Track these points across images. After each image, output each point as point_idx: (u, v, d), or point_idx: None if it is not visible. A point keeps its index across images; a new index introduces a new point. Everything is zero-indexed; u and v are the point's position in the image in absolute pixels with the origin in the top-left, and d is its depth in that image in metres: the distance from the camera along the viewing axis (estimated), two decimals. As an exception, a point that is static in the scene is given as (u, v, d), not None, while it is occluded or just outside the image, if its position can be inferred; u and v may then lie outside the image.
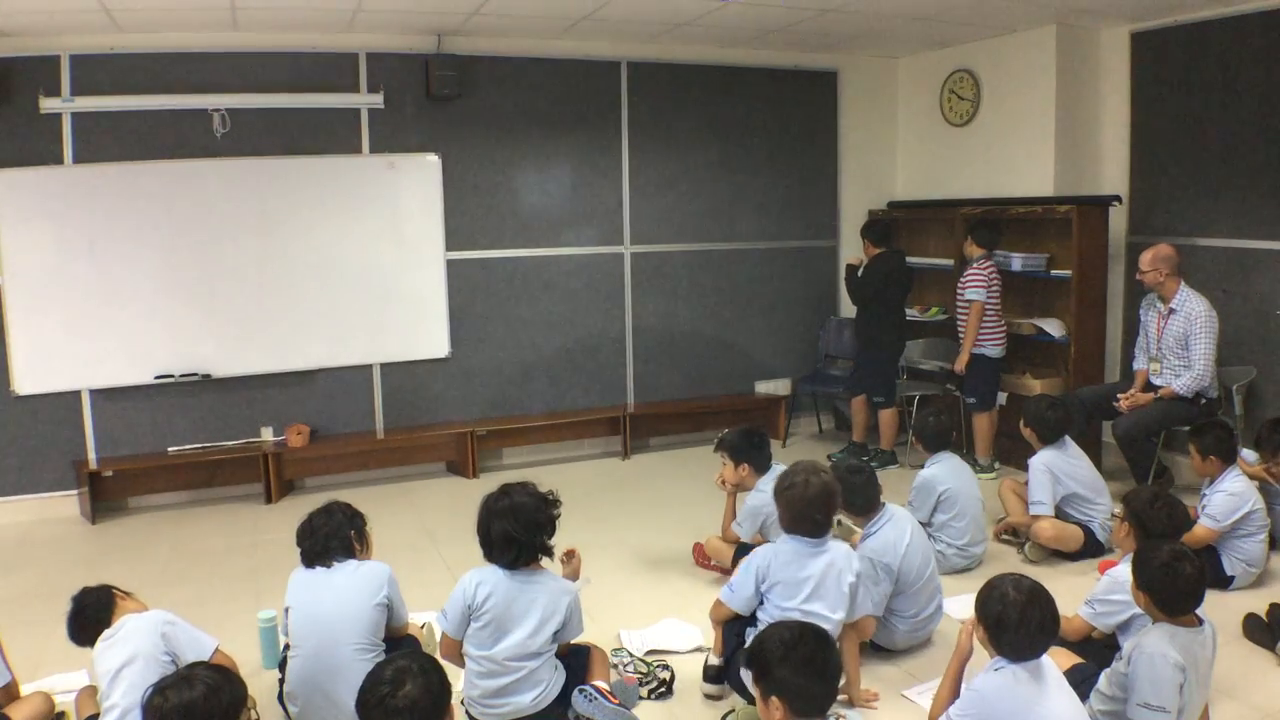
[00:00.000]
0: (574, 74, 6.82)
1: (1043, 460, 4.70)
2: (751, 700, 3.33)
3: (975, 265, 6.19)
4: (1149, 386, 5.52)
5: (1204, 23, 5.87)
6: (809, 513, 3.31)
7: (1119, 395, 5.54)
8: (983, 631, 2.67)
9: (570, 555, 3.51)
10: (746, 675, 3.27)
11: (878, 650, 3.80)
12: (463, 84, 6.35)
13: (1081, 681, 2.88)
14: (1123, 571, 3.20)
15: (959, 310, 6.31)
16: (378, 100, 6.31)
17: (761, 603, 3.35)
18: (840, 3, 5.74)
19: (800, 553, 3.32)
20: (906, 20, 6.31)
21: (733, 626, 3.44)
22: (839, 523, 4.89)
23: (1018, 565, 4.64)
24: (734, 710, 3.36)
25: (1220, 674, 3.46)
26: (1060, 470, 4.68)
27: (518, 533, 3.11)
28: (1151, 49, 6.23)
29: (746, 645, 3.31)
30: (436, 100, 6.39)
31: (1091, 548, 4.64)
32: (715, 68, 7.17)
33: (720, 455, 4.51)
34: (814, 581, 3.28)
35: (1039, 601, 2.59)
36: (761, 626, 3.28)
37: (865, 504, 3.84)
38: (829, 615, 3.22)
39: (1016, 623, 2.55)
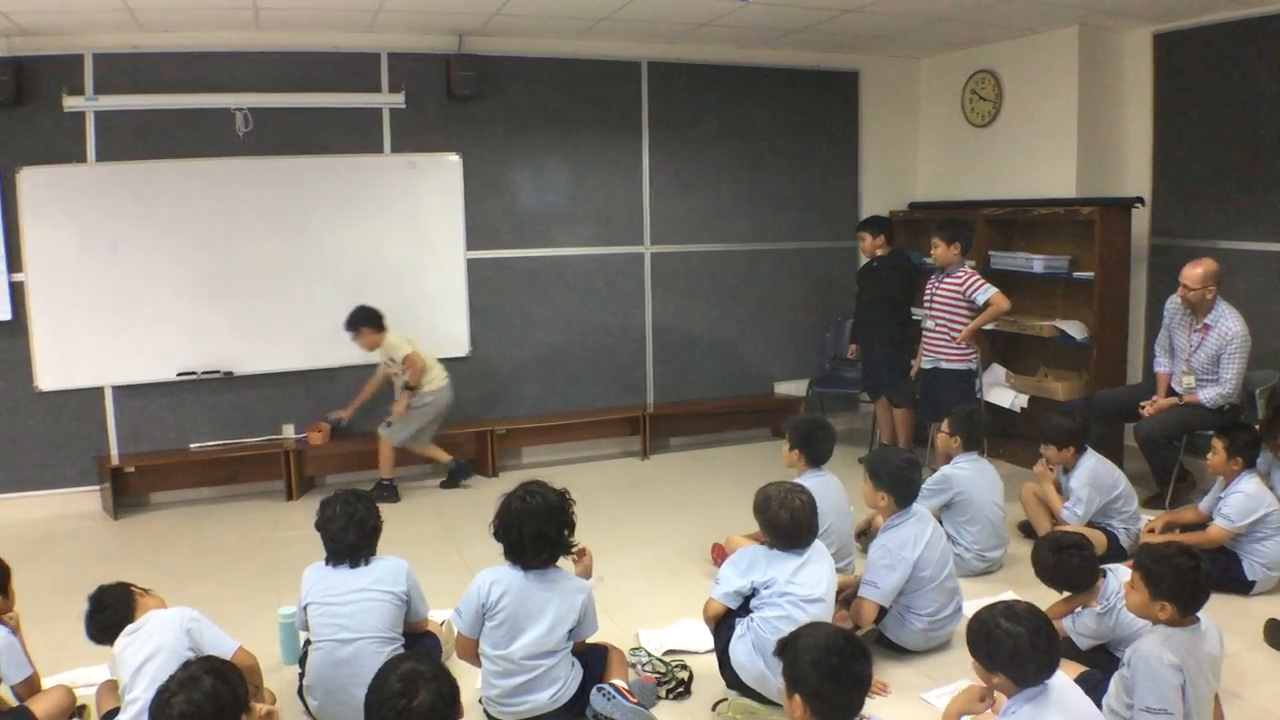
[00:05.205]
0: (594, 74, 6.82)
1: (1089, 470, 4.61)
2: (743, 692, 3.35)
3: (964, 270, 5.76)
4: (1169, 390, 5.47)
5: (1227, 24, 5.82)
6: (805, 528, 3.40)
7: (1142, 404, 5.47)
8: (1000, 676, 2.54)
9: (581, 553, 3.51)
10: (753, 667, 3.29)
11: (894, 650, 3.80)
12: (483, 84, 6.37)
13: (1089, 689, 2.85)
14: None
15: (948, 321, 5.79)
16: (399, 100, 6.33)
17: (755, 592, 3.39)
18: (860, 3, 5.72)
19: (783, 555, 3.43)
20: (927, 21, 6.28)
21: (725, 619, 3.47)
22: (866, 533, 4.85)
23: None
24: (725, 699, 3.39)
25: (1236, 677, 3.45)
26: (1104, 482, 4.61)
27: (552, 531, 3.13)
28: (1174, 50, 6.19)
29: (734, 637, 3.35)
30: (457, 100, 6.41)
31: (1115, 553, 4.59)
32: (736, 68, 7.16)
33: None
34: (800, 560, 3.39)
35: (1036, 616, 2.53)
36: (755, 616, 3.34)
37: (907, 499, 3.85)
38: (817, 592, 3.31)
39: (1030, 649, 2.46)
